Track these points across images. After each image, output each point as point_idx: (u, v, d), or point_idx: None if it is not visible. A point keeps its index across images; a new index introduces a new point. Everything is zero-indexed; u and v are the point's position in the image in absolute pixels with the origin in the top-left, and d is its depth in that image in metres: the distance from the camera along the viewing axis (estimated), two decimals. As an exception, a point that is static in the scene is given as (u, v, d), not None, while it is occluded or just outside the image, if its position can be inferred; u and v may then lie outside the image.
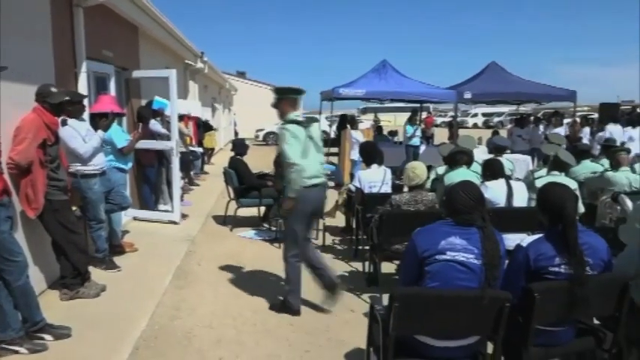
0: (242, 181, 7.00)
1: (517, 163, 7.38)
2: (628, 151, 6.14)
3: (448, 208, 2.55)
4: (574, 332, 2.60)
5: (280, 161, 4.18)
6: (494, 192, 4.34)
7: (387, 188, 5.61)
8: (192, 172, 10.24)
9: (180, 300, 4.40)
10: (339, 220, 6.77)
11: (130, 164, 5.72)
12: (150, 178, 7.05)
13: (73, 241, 4.07)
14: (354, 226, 5.95)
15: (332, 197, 6.91)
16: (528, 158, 9.50)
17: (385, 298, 2.53)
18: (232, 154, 7.48)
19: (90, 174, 4.55)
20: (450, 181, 4.49)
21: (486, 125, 35.14)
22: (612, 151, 5.91)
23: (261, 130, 24.58)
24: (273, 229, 6.69)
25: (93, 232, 4.74)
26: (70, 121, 4.32)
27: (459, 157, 5.19)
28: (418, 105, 14.16)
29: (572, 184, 4.48)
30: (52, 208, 3.89)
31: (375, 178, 5.61)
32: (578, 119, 13.49)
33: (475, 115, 39.16)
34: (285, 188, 3.93)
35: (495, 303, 2.33)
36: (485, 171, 4.60)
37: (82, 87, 5.07)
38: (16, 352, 3.18)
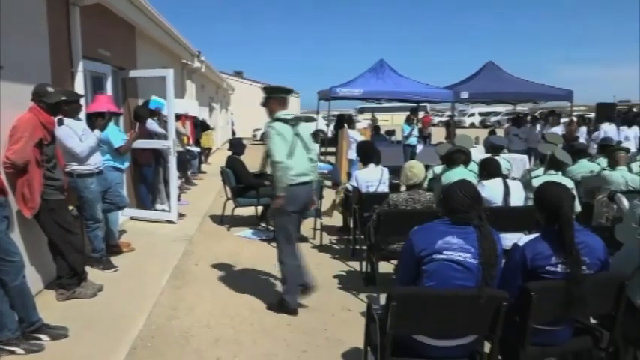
0: (239, 181, 6.99)
1: (514, 162, 7.39)
2: (626, 150, 6.17)
3: (445, 207, 2.56)
4: (571, 331, 2.61)
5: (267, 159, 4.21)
6: (491, 191, 4.35)
7: (384, 188, 5.62)
8: (189, 172, 10.22)
9: (177, 300, 4.39)
10: (337, 219, 6.78)
11: (126, 164, 5.71)
12: (147, 177, 7.04)
13: (69, 240, 4.06)
14: (351, 225, 5.95)
15: (329, 197, 6.93)
16: (525, 157, 9.52)
17: (383, 298, 2.53)
18: (230, 153, 7.47)
19: (87, 173, 4.54)
20: (447, 181, 4.50)
21: (483, 125, 35.24)
22: (610, 150, 5.93)
23: (259, 129, 24.53)
24: (271, 228, 6.68)
25: (90, 232, 4.73)
26: (67, 120, 4.30)
27: (456, 157, 5.20)
28: (415, 104, 14.17)
29: (569, 184, 4.50)
30: (48, 208, 3.88)
31: (373, 178, 5.61)
32: (574, 119, 13.53)
33: (472, 114, 39.24)
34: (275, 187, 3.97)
35: (492, 302, 2.34)
36: (482, 170, 4.61)
37: (79, 86, 5.06)
38: (13, 352, 3.17)
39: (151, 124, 6.96)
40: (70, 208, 4.38)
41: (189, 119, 9.71)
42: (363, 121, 21.86)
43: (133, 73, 7.00)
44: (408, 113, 13.63)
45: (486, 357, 2.52)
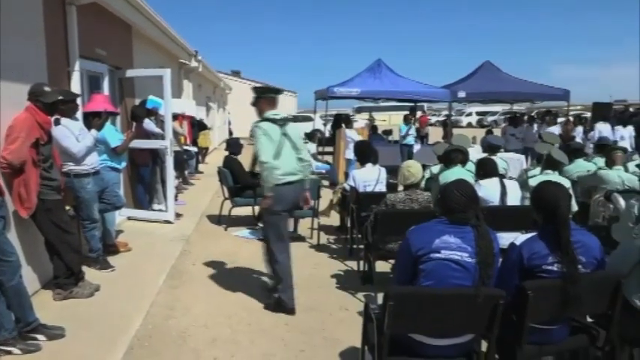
0: (237, 181, 6.99)
1: (511, 162, 7.40)
2: (624, 150, 6.19)
3: (442, 206, 2.56)
4: (567, 330, 2.62)
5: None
6: (488, 190, 4.36)
7: (381, 187, 5.62)
8: (186, 172, 10.22)
9: (174, 299, 4.39)
10: (334, 219, 6.78)
11: (123, 163, 5.70)
12: (144, 177, 7.03)
13: (66, 240, 4.05)
14: (348, 225, 5.95)
15: (327, 196, 6.93)
16: (522, 157, 9.54)
17: (380, 297, 2.53)
18: (227, 153, 7.46)
19: (83, 173, 4.53)
20: (445, 180, 4.50)
21: (480, 124, 35.27)
22: (607, 150, 5.95)
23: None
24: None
25: (86, 232, 4.72)
26: (64, 120, 4.29)
27: (454, 156, 5.20)
28: (412, 104, 14.20)
29: (566, 183, 4.50)
30: (45, 208, 3.87)
31: (370, 177, 5.61)
32: (571, 118, 13.57)
33: (469, 114, 39.26)
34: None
35: (489, 301, 2.34)
36: (479, 170, 4.62)
37: (75, 86, 5.05)
38: (9, 352, 3.16)
39: (148, 124, 6.95)
40: (67, 208, 4.37)
41: (186, 119, 9.70)
42: (361, 121, 21.88)
43: (129, 73, 6.98)
44: (406, 113, 13.65)
45: (483, 356, 2.53)
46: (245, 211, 7.32)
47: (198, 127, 12.10)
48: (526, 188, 4.68)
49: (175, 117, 8.36)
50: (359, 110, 33.20)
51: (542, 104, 16.83)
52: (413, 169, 4.46)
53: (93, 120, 4.80)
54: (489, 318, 2.37)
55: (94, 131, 4.63)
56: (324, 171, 10.96)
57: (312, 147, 12.07)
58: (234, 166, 7.10)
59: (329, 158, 11.96)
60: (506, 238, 2.95)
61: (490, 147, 6.69)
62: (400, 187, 4.77)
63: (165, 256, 5.47)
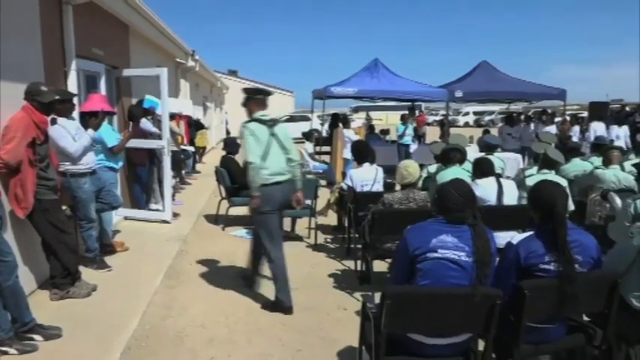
0: (234, 180, 6.98)
1: (508, 161, 7.41)
2: (621, 149, 6.20)
3: (439, 206, 2.56)
4: (564, 329, 2.62)
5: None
6: (485, 190, 4.36)
7: (378, 187, 5.62)
8: (183, 171, 10.20)
9: (171, 299, 4.38)
10: (331, 218, 6.78)
11: (120, 163, 5.69)
12: (141, 177, 7.02)
13: (63, 240, 4.04)
14: (346, 224, 5.96)
15: (324, 196, 6.93)
16: (519, 156, 9.56)
17: (377, 297, 2.54)
18: (224, 152, 7.45)
19: (80, 173, 4.52)
20: (442, 180, 4.51)
21: (477, 124, 35.33)
22: (604, 149, 5.97)
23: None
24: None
25: (83, 232, 4.71)
26: (60, 119, 4.28)
27: (452, 155, 5.20)
28: (410, 103, 14.21)
29: (563, 182, 4.51)
30: (41, 208, 3.86)
31: (367, 177, 5.61)
32: (568, 118, 13.60)
33: (466, 113, 39.33)
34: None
35: (486, 300, 2.35)
36: (476, 169, 4.62)
37: (72, 85, 5.04)
38: (6, 352, 3.15)
39: (145, 124, 6.93)
40: (64, 207, 4.35)
41: (183, 118, 9.69)
42: (358, 120, 21.89)
43: (126, 72, 6.97)
44: (404, 112, 13.66)
45: (480, 355, 2.53)
46: (242, 210, 7.28)
47: (195, 126, 12.10)
48: (523, 188, 4.69)
49: (172, 116, 8.35)
50: (356, 110, 33.22)
51: (538, 104, 16.87)
52: (410, 168, 4.47)
53: (90, 119, 4.79)
54: (486, 317, 2.38)
55: (90, 131, 4.62)
56: (321, 170, 10.96)
57: (310, 146, 12.09)
58: (232, 165, 7.09)
59: (326, 158, 11.95)
60: (503, 238, 2.97)
61: (487, 146, 6.70)
62: (397, 187, 4.78)
63: (162, 255, 5.46)
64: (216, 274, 5.06)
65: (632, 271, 2.69)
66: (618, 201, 4.30)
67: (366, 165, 5.72)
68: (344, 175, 7.60)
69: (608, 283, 2.56)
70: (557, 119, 14.06)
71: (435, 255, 2.40)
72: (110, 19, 6.37)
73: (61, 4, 4.91)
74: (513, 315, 2.44)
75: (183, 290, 4.63)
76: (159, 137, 6.82)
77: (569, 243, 2.43)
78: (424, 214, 2.88)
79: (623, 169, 5.57)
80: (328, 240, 6.43)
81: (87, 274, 4.52)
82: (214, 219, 7.27)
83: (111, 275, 4.76)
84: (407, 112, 13.54)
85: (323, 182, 9.74)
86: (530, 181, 4.52)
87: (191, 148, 10.97)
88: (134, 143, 6.26)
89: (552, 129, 11.63)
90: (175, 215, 7.10)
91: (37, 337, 3.35)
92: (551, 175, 4.81)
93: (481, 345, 2.55)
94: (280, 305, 4.10)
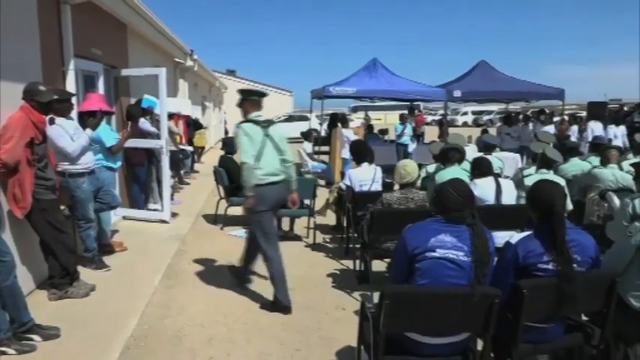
0: (232, 180, 6.97)
1: (506, 161, 7.42)
2: (619, 148, 6.21)
3: (438, 205, 2.56)
4: (562, 328, 2.63)
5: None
6: (483, 189, 4.37)
7: (377, 186, 5.62)
8: (182, 171, 10.20)
9: (170, 299, 4.38)
10: (330, 218, 6.78)
11: (119, 163, 5.68)
12: (139, 176, 7.01)
13: (61, 240, 4.04)
14: (344, 224, 5.95)
15: (323, 196, 6.93)
16: (517, 156, 9.57)
17: (376, 296, 2.53)
18: (222, 152, 7.44)
19: (78, 173, 4.52)
20: (441, 179, 4.51)
21: (476, 123, 35.35)
22: (602, 148, 5.98)
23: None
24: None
25: (82, 232, 4.70)
26: (58, 119, 4.28)
27: (451, 155, 5.20)
28: (408, 103, 14.21)
29: (561, 182, 4.52)
30: (40, 208, 3.85)
31: (366, 177, 5.62)
32: (566, 117, 13.61)
33: (465, 113, 39.33)
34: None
35: (485, 300, 2.35)
36: (474, 169, 4.63)
37: (70, 85, 5.03)
38: (4, 353, 3.15)
39: (144, 123, 6.92)
40: (62, 207, 4.35)
41: (181, 118, 9.67)
42: (357, 120, 21.89)
43: (125, 72, 6.96)
44: (402, 112, 13.66)
45: (479, 355, 2.53)
46: (241, 210, 7.28)
47: (193, 126, 12.08)
48: (521, 187, 4.69)
49: (171, 116, 8.35)
50: (355, 109, 33.23)
51: (537, 103, 16.89)
52: (409, 168, 4.47)
53: (88, 119, 4.78)
54: (485, 317, 2.38)
55: (89, 130, 4.61)
56: (320, 170, 10.96)
57: (308, 146, 12.09)
58: (230, 165, 7.09)
59: (325, 157, 11.96)
60: (501, 237, 2.97)
61: (485, 146, 6.71)
62: (396, 186, 4.78)
63: (160, 255, 5.45)
64: (215, 274, 5.06)
65: (630, 271, 2.70)
66: (616, 200, 4.31)
67: (365, 165, 5.72)
68: (343, 174, 7.60)
69: (606, 283, 2.56)
70: (555, 119, 14.07)
71: (434, 254, 2.40)
72: (108, 19, 6.36)
73: (59, 3, 4.90)
74: (512, 314, 2.45)
75: (181, 290, 4.63)
76: (157, 137, 6.81)
77: (567, 242, 2.43)
78: (423, 214, 2.89)
79: (621, 168, 5.58)
80: (327, 240, 6.43)
81: (85, 274, 4.52)
82: (213, 219, 7.26)
83: (109, 275, 4.76)
84: (406, 111, 13.55)
85: (322, 182, 9.74)
86: (528, 181, 4.53)
87: (190, 148, 10.96)
88: (132, 143, 6.25)
89: (551, 129, 11.62)
90: (174, 215, 7.09)
91: (35, 337, 3.34)
92: (549, 175, 4.82)
93: (480, 344, 2.56)
94: (279, 305, 4.10)
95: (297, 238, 6.37)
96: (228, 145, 7.46)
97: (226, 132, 21.97)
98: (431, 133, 18.20)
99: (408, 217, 2.97)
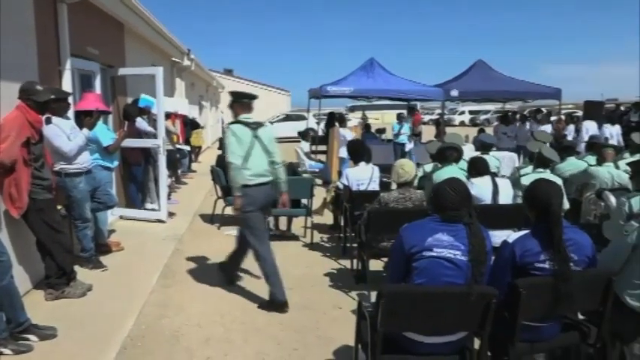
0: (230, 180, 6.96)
1: (503, 160, 7.43)
2: (615, 147, 6.23)
3: (435, 204, 2.57)
4: (559, 327, 2.63)
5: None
6: (480, 189, 4.37)
7: (374, 186, 5.62)
8: (179, 171, 10.17)
9: (167, 299, 4.38)
10: (327, 217, 6.78)
11: (115, 162, 5.68)
12: (136, 176, 7.00)
13: (58, 240, 4.03)
14: (342, 223, 5.95)
15: (320, 195, 6.93)
16: (514, 155, 9.58)
17: (373, 295, 2.54)
18: (220, 152, 7.43)
19: (75, 172, 4.51)
20: (438, 179, 4.52)
21: (473, 123, 35.34)
22: (598, 147, 5.99)
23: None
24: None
25: (78, 232, 4.69)
26: (55, 119, 4.26)
27: (449, 154, 5.20)
28: (405, 102, 14.22)
29: (558, 181, 4.53)
30: (36, 208, 3.84)
31: (363, 176, 5.62)
32: (563, 117, 13.65)
33: (462, 112, 39.34)
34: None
35: (482, 299, 2.35)
36: (471, 168, 4.63)
37: (67, 84, 5.02)
38: (1, 353, 3.14)
39: (141, 123, 6.91)
40: (59, 207, 4.34)
41: (179, 118, 9.66)
42: (354, 120, 21.88)
43: (121, 71, 6.95)
44: (399, 112, 13.67)
45: (476, 353, 2.54)
46: (238, 210, 7.29)
47: (190, 125, 12.05)
48: (518, 186, 4.70)
49: (168, 116, 8.33)
50: (352, 109, 33.22)
51: (534, 103, 16.92)
52: (406, 167, 4.47)
53: (85, 119, 4.77)
54: (482, 316, 2.38)
55: (85, 130, 4.60)
56: (317, 169, 10.95)
57: (306, 145, 12.08)
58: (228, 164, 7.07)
59: (322, 157, 11.95)
60: (498, 236, 2.98)
61: (482, 145, 6.71)
62: (394, 186, 4.78)
63: (158, 255, 5.45)
64: (212, 274, 5.04)
65: (626, 269, 2.71)
66: (613, 200, 4.32)
67: (362, 164, 5.72)
68: (340, 174, 7.61)
69: (602, 282, 2.57)
70: (552, 118, 14.11)
71: (431, 254, 2.40)
72: (105, 18, 6.35)
73: (56, 2, 4.89)
74: (509, 313, 2.45)
75: (179, 289, 4.62)
76: (154, 136, 6.80)
77: (564, 241, 2.44)
78: (420, 213, 2.89)
79: (617, 167, 5.60)
80: (324, 239, 6.43)
81: (82, 273, 4.51)
82: (210, 218, 7.25)
83: (106, 275, 4.75)
84: (403, 111, 13.57)
85: (319, 181, 9.73)
86: (525, 180, 4.54)
87: (187, 148, 10.95)
88: (129, 142, 6.24)
89: (548, 128, 11.65)
90: (171, 214, 7.09)
91: (32, 337, 3.34)
92: (546, 174, 4.83)
93: (477, 343, 2.56)
94: (275, 300, 4.11)
95: (295, 237, 6.37)
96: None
97: (223, 131, 21.97)
98: (428, 133, 18.21)
99: (405, 217, 2.97)
